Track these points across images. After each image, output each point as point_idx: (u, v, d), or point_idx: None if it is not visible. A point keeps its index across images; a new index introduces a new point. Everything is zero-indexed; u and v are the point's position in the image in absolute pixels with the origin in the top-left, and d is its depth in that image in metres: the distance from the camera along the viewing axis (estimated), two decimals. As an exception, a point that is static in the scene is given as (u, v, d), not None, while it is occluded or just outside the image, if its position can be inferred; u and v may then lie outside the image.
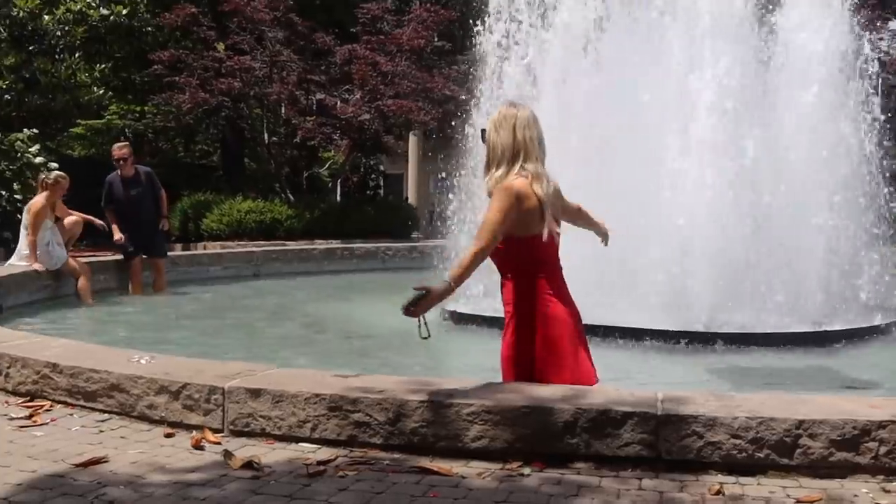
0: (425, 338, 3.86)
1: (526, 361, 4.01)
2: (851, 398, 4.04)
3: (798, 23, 8.89)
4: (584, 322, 4.08)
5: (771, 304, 7.96)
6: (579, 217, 4.46)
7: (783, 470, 3.47)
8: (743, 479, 3.44)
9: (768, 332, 7.49)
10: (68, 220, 10.20)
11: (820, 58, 8.76)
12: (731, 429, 3.50)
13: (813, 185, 8.53)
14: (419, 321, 3.83)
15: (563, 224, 4.18)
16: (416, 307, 3.73)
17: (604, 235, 4.61)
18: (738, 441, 3.49)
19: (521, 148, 3.91)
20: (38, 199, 9.76)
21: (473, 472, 3.52)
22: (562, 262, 4.07)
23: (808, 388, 5.99)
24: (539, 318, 3.95)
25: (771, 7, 9.00)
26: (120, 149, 10.91)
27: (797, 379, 6.49)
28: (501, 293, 4.10)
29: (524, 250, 3.95)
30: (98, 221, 10.59)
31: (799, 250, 8.36)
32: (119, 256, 11.04)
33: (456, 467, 3.55)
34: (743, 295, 7.98)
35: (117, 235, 10.65)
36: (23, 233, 9.83)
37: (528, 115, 4.00)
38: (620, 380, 5.65)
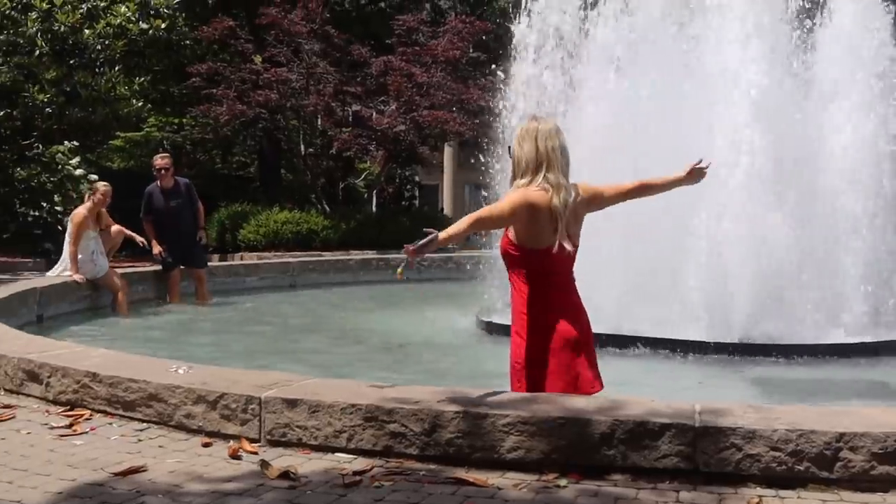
0: (402, 279, 4.30)
1: (529, 368, 4.12)
2: (893, 410, 3.97)
3: (839, 32, 8.80)
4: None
5: (808, 316, 7.87)
6: (645, 191, 4.44)
7: (823, 483, 3.43)
8: (782, 493, 3.40)
9: (806, 343, 7.40)
10: (113, 228, 10.33)
11: (859, 68, 8.65)
12: (770, 441, 3.46)
13: (852, 194, 8.42)
14: (404, 262, 4.08)
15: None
16: (418, 248, 3.89)
17: (691, 179, 4.39)
18: (777, 454, 3.45)
19: (543, 159, 4.05)
20: (81, 210, 9.89)
21: (509, 483, 3.50)
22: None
23: (847, 401, 5.91)
24: (541, 326, 4.07)
25: (811, 19, 8.89)
26: (162, 159, 11.05)
27: (836, 391, 6.40)
28: (511, 300, 4.23)
29: (535, 260, 4.08)
30: (139, 238, 10.68)
31: (836, 260, 8.26)
32: (157, 267, 11.16)
33: (492, 478, 3.54)
34: (779, 306, 7.89)
35: (156, 249, 10.76)
36: (67, 240, 9.97)
37: (551, 127, 4.14)
38: (655, 389, 5.62)
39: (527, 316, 4.10)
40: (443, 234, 3.94)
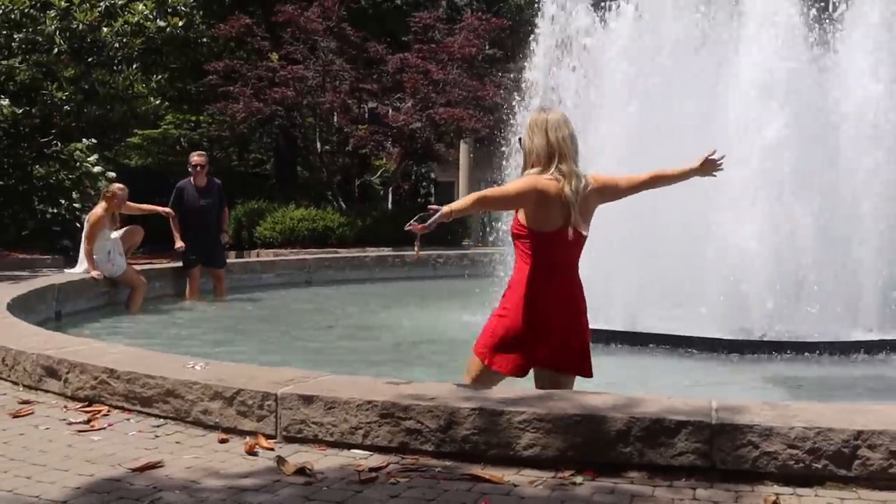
0: (416, 255, 4.81)
1: (499, 346, 4.17)
2: (912, 408, 3.94)
3: (856, 33, 8.75)
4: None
5: (827, 313, 7.82)
6: (659, 181, 4.46)
7: (841, 481, 3.41)
8: (800, 491, 3.38)
9: (825, 340, 7.36)
10: (132, 228, 10.37)
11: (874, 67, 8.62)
12: (787, 439, 3.44)
13: (870, 192, 8.37)
14: (417, 240, 4.11)
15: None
16: (422, 224, 3.93)
17: (703, 170, 4.39)
18: (794, 451, 3.43)
19: (555, 149, 4.12)
20: (97, 210, 9.96)
21: (525, 480, 3.50)
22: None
23: (866, 398, 5.88)
24: (533, 309, 4.10)
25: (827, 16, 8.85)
26: (199, 156, 11.16)
27: (855, 388, 6.37)
28: (510, 280, 4.29)
29: (541, 243, 4.12)
30: (163, 209, 10.71)
31: (856, 257, 8.21)
32: (176, 263, 11.21)
33: (507, 475, 3.54)
34: (798, 303, 7.85)
35: (178, 244, 10.80)
36: (83, 238, 10.03)
37: (559, 117, 4.21)
38: (675, 387, 5.60)
39: (518, 295, 4.13)
40: (445, 209, 3.96)
